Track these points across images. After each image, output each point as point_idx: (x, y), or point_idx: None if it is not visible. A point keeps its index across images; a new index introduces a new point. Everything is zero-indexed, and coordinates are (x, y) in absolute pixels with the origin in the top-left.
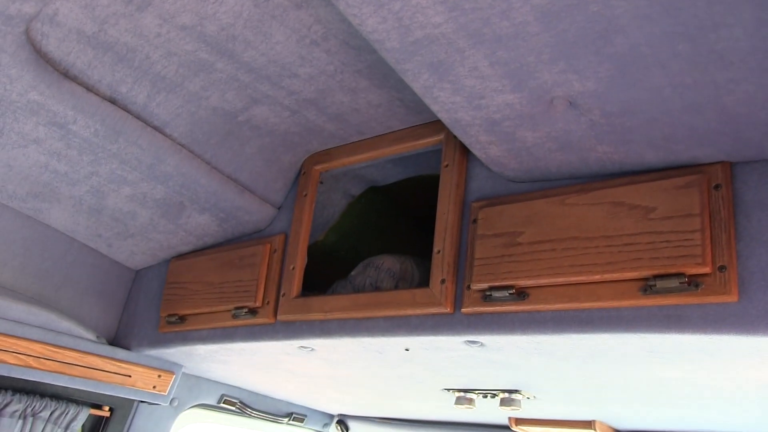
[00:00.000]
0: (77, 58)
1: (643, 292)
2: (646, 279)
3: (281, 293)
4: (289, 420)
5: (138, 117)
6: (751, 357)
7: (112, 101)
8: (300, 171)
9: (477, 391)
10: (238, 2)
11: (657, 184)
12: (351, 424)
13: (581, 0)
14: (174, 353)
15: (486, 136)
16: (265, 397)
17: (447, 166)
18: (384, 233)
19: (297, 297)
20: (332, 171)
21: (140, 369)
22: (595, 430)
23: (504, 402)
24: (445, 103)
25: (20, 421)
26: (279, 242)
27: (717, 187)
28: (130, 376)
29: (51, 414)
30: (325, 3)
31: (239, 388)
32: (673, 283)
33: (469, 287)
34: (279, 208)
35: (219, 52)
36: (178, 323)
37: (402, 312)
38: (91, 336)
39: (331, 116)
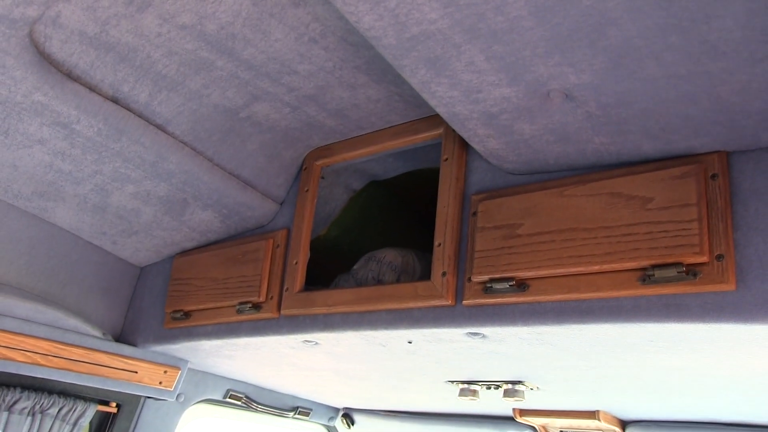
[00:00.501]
0: (80, 59)
1: (642, 282)
2: (644, 269)
3: (284, 288)
4: (295, 414)
5: (140, 116)
6: (751, 345)
7: (115, 101)
8: (301, 166)
9: (480, 383)
10: (237, 1)
11: (654, 175)
12: (356, 417)
13: None
14: (179, 349)
15: (484, 130)
16: (271, 391)
17: (446, 159)
18: (386, 227)
19: (300, 291)
20: (333, 166)
21: (146, 365)
22: (599, 420)
23: (507, 393)
24: (442, 97)
25: (29, 418)
26: (282, 237)
27: (714, 176)
28: (136, 372)
29: (59, 411)
30: (322, 1)
31: (245, 382)
32: (672, 272)
33: (470, 279)
34: (281, 204)
35: (219, 50)
36: (183, 319)
37: (404, 305)
38: (97, 333)
39: (331, 112)
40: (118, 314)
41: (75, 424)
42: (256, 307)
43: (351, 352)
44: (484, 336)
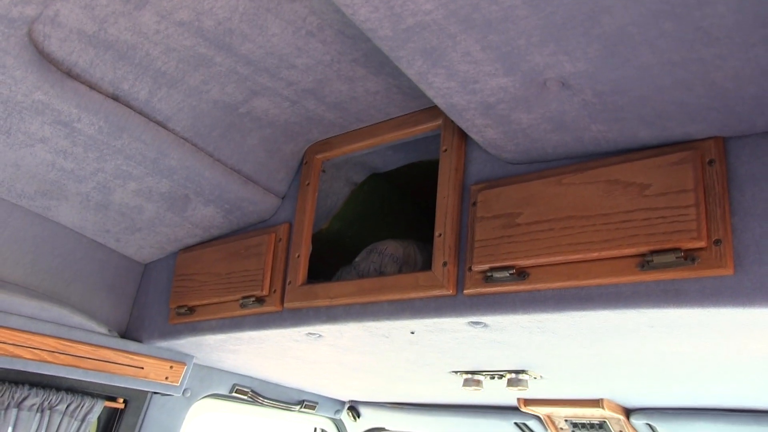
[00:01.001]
0: (79, 58)
1: (641, 268)
2: (643, 255)
3: (287, 281)
4: (301, 407)
5: (141, 113)
6: (750, 329)
7: (115, 98)
8: (302, 160)
9: (484, 373)
10: None
11: (651, 161)
12: (362, 409)
13: None
14: (184, 344)
15: (482, 120)
16: (277, 385)
17: (446, 150)
18: (387, 219)
19: (303, 284)
20: (334, 159)
21: (152, 361)
22: (603, 408)
23: (511, 382)
24: (440, 88)
25: (38, 415)
26: (284, 231)
27: (711, 162)
28: (142, 368)
29: (67, 407)
30: None
31: (250, 377)
32: (670, 258)
33: (470, 269)
34: (283, 198)
35: (217, 46)
36: (188, 314)
37: (406, 295)
38: (102, 330)
39: (331, 105)
40: (123, 311)
41: (83, 420)
42: (260, 300)
43: (354, 344)
44: (485, 325)
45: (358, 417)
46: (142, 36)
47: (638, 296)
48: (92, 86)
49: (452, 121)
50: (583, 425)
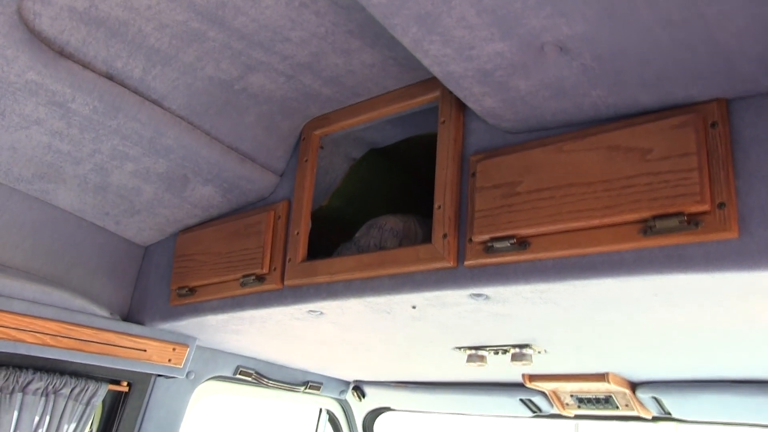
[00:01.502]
0: (71, 36)
1: (644, 234)
2: (645, 220)
3: (287, 259)
4: (306, 388)
5: (135, 91)
6: (755, 294)
7: (109, 77)
8: (300, 137)
9: (488, 348)
10: None
11: (653, 126)
12: (367, 389)
13: None
14: (187, 326)
15: (479, 88)
16: (281, 366)
17: (444, 122)
18: (387, 194)
19: (303, 261)
20: (332, 135)
21: (155, 343)
22: (608, 382)
23: (515, 357)
24: (436, 56)
25: (43, 398)
26: (283, 209)
27: (713, 125)
28: (145, 351)
29: (72, 391)
30: None
31: (255, 359)
32: (673, 222)
33: (470, 240)
34: (281, 176)
35: (210, 20)
36: (189, 295)
37: (406, 269)
38: (104, 313)
39: (327, 80)
40: (124, 294)
41: (88, 403)
42: (260, 279)
43: (356, 321)
44: (487, 297)
45: (363, 397)
46: (134, 12)
47: (641, 263)
48: (86, 65)
49: (450, 92)
50: (589, 400)
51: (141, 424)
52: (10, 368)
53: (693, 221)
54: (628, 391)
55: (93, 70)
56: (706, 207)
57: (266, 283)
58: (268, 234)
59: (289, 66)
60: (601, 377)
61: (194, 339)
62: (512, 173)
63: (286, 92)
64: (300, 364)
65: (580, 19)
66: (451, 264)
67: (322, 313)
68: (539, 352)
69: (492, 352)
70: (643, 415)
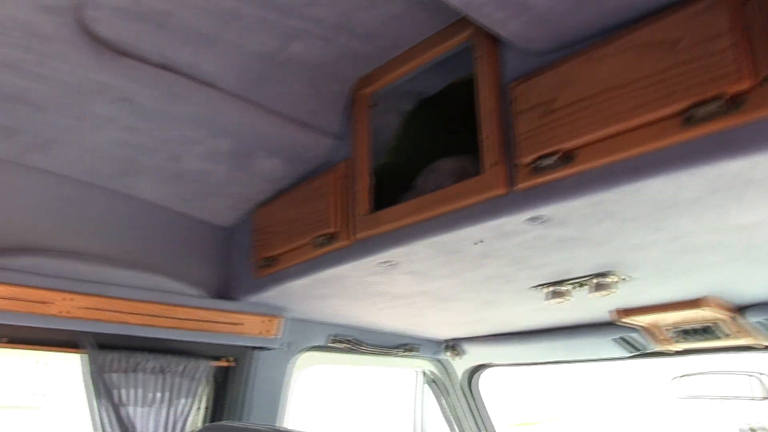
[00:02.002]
0: (125, 34)
1: (684, 125)
2: (683, 111)
3: (353, 214)
4: (402, 351)
5: (189, 77)
6: None
7: (164, 67)
8: (351, 97)
9: (566, 282)
10: None
11: (679, 15)
12: (462, 347)
13: None
14: (273, 296)
15: (500, 12)
16: (375, 332)
17: (479, 56)
18: (443, 140)
19: (367, 214)
20: (380, 91)
21: (248, 317)
22: (707, 308)
23: (597, 287)
24: None
25: (158, 377)
26: (343, 168)
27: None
28: (240, 324)
29: (181, 368)
30: None
31: (348, 326)
32: (712, 107)
33: (517, 164)
34: (339, 138)
35: None
36: (270, 265)
37: (461, 203)
38: (197, 292)
39: (362, 37)
40: (214, 273)
41: (197, 379)
42: (331, 237)
43: (428, 267)
44: (544, 219)
45: (460, 355)
46: (173, 1)
47: (686, 156)
48: (142, 59)
49: (480, 28)
50: (688, 331)
51: (246, 396)
52: (127, 350)
53: (734, 102)
54: (733, 316)
55: (149, 63)
56: (745, 85)
57: (337, 241)
58: (332, 193)
59: (324, 29)
60: (698, 303)
61: (285, 310)
62: (547, 92)
63: (328, 56)
64: (392, 326)
65: None
66: (502, 191)
67: (393, 263)
68: (623, 279)
69: (571, 285)
70: (754, 344)
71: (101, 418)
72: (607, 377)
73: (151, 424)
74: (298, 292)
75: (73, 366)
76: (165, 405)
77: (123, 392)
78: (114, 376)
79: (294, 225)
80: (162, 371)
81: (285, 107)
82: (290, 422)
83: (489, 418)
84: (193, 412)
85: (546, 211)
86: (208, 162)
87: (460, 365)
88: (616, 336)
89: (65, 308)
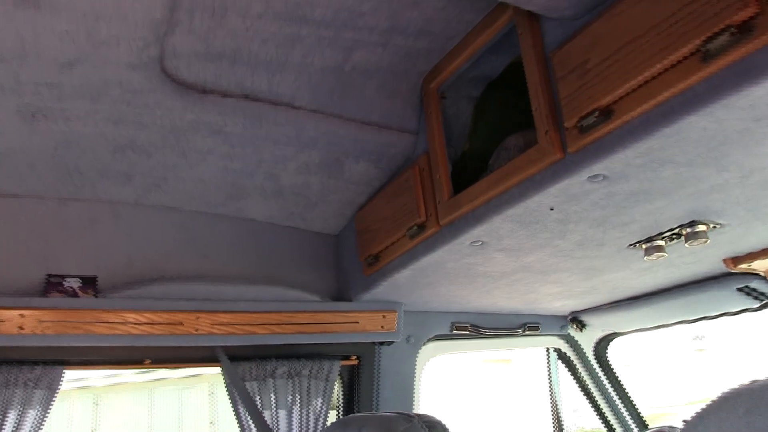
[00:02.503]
0: (205, 75)
1: (704, 61)
2: (699, 48)
3: (437, 201)
4: (524, 331)
5: (268, 101)
6: None
7: (245, 97)
8: (421, 93)
9: (658, 237)
10: None
11: None
12: (584, 318)
13: None
14: (384, 291)
15: None
16: (493, 314)
17: (522, 33)
18: (512, 118)
19: (448, 199)
20: (446, 83)
21: (365, 315)
22: None
23: (689, 238)
24: None
25: (290, 381)
26: (424, 161)
27: None
28: (358, 323)
29: (311, 371)
30: None
31: (465, 312)
32: (725, 39)
33: (566, 128)
34: (417, 133)
35: (296, 21)
36: (375, 262)
37: (525, 174)
38: (316, 298)
39: (415, 35)
40: (328, 278)
41: (327, 380)
42: (421, 227)
43: (516, 242)
44: (604, 177)
45: (584, 327)
46: (238, 38)
47: (713, 89)
48: (224, 94)
49: (517, 8)
50: None
51: (377, 391)
52: (258, 359)
53: (745, 30)
54: None
55: (231, 96)
56: (753, 10)
57: (427, 229)
58: (417, 185)
59: (378, 35)
60: None
61: (399, 303)
62: (581, 54)
63: (389, 58)
64: (509, 307)
65: None
66: (559, 156)
67: (482, 242)
68: (715, 226)
69: (664, 239)
70: None
71: (246, 423)
72: None
73: (292, 425)
74: (405, 283)
75: None
76: (300, 406)
77: (260, 398)
78: (251, 384)
79: (389, 220)
80: (293, 375)
81: (361, 113)
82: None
83: (624, 389)
84: (326, 410)
85: (601, 168)
86: (303, 175)
87: (586, 338)
88: (739, 284)
89: (198, 326)
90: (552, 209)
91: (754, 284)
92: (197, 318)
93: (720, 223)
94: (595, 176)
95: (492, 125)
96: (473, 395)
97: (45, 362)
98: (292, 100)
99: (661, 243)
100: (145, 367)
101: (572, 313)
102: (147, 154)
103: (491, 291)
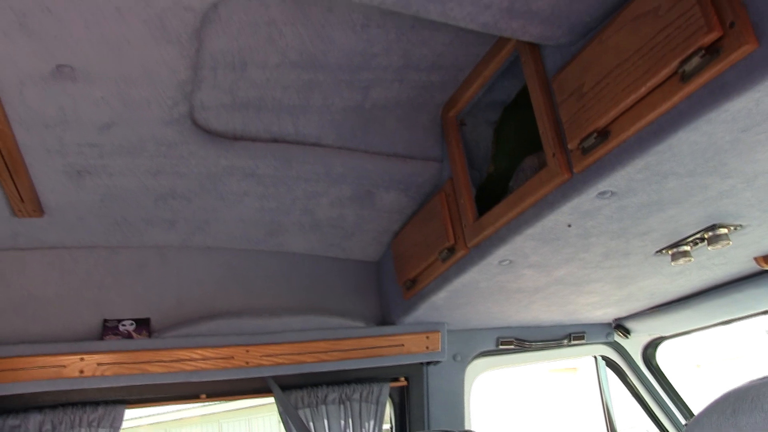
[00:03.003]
0: (234, 123)
1: (683, 81)
2: (676, 70)
3: (463, 225)
4: (570, 341)
5: (296, 143)
6: None
7: (274, 140)
8: (441, 122)
9: (682, 243)
10: (293, 29)
11: None
12: (629, 325)
13: None
14: (425, 313)
15: (516, 23)
16: (536, 327)
17: (525, 61)
18: (529, 139)
19: (473, 222)
20: (464, 110)
21: (408, 337)
22: None
23: (712, 241)
24: (464, 17)
25: (341, 405)
26: (449, 187)
27: None
28: (403, 345)
29: (361, 395)
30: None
31: (508, 327)
32: (696, 60)
33: (570, 150)
34: (441, 161)
35: (312, 67)
36: (413, 286)
37: (539, 195)
38: (360, 324)
39: (428, 69)
40: (371, 303)
41: (377, 402)
42: (451, 250)
43: (542, 258)
44: (612, 192)
45: (629, 333)
46: (259, 87)
47: (694, 107)
48: (254, 139)
49: None
50: None
51: (428, 411)
52: (309, 387)
53: (713, 51)
54: None
55: (260, 141)
56: (717, 33)
57: (457, 252)
58: (444, 210)
59: (393, 72)
60: None
61: (441, 323)
62: (576, 78)
63: (407, 93)
64: (550, 318)
65: None
66: (566, 176)
67: (510, 261)
68: (735, 228)
69: (688, 244)
70: None
71: None
72: None
73: None
74: (444, 304)
75: None
76: (353, 430)
77: (313, 425)
78: (304, 411)
79: (422, 245)
80: (344, 400)
81: (385, 146)
82: (475, 428)
83: (677, 392)
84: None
85: (606, 185)
86: (337, 208)
87: (632, 344)
88: None
89: (248, 359)
90: (569, 226)
91: None
92: (247, 351)
93: (740, 225)
94: (603, 193)
95: (512, 147)
96: (538, 406)
97: (106, 402)
98: (319, 140)
99: (687, 248)
100: (201, 402)
101: (616, 320)
102: (187, 200)
103: (529, 305)
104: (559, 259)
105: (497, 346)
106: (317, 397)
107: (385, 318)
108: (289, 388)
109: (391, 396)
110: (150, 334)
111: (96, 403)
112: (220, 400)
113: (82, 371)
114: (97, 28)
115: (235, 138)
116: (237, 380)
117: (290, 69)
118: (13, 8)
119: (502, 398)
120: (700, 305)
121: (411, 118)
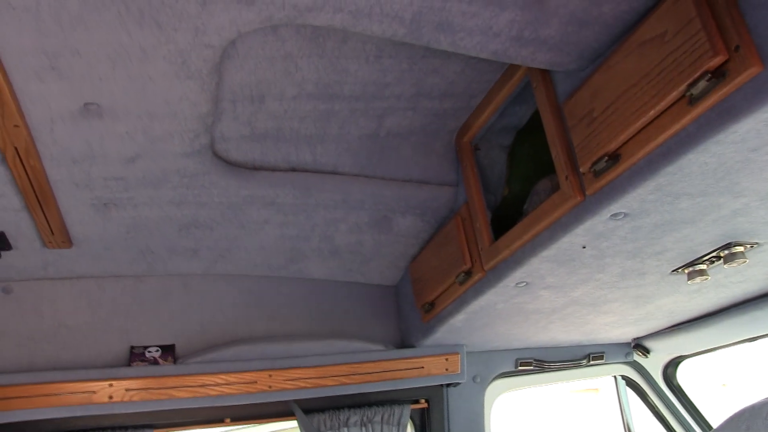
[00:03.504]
0: (253, 154)
1: (691, 104)
2: (685, 93)
3: (480, 249)
4: (589, 361)
5: (314, 171)
6: None
7: (292, 169)
8: (455, 148)
9: (698, 261)
10: (308, 62)
11: (659, 10)
12: (648, 344)
13: None
14: (444, 336)
15: (525, 51)
16: (555, 348)
17: (536, 87)
18: (542, 162)
19: (489, 246)
20: (478, 136)
21: (428, 359)
22: None
23: (728, 260)
24: (474, 46)
25: (362, 428)
26: (465, 211)
27: None
28: (423, 367)
29: (382, 417)
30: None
31: (526, 348)
32: (703, 84)
33: (582, 173)
34: (456, 185)
35: (327, 98)
36: (431, 309)
37: (552, 217)
38: (380, 347)
39: (441, 96)
40: (390, 327)
41: (398, 424)
42: (468, 273)
43: (558, 279)
44: (625, 214)
45: (648, 353)
46: (277, 118)
47: (703, 129)
48: (273, 169)
49: None
50: None
51: (448, 431)
52: (331, 410)
53: (719, 74)
54: None
55: (279, 170)
56: (722, 57)
57: (474, 275)
58: (460, 235)
59: (405, 101)
60: None
61: (460, 345)
62: (586, 104)
63: (420, 120)
64: (568, 339)
65: None
66: (579, 199)
67: (527, 283)
68: (752, 246)
69: (704, 263)
70: None
71: None
72: None
73: None
74: (462, 327)
75: None
76: None
77: None
78: None
79: (439, 269)
80: (365, 423)
81: (401, 172)
82: None
83: (699, 411)
84: None
85: (619, 206)
86: (355, 234)
87: (652, 363)
88: None
89: (271, 384)
90: (584, 247)
91: None
92: (270, 376)
93: (757, 243)
94: (616, 214)
95: (525, 170)
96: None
97: (135, 427)
98: (336, 168)
99: (703, 267)
100: (226, 426)
101: (635, 339)
102: (210, 229)
103: (547, 326)
104: (575, 280)
105: (516, 367)
106: (339, 420)
107: (404, 341)
108: (311, 412)
109: (412, 418)
110: (175, 360)
111: (125, 428)
112: (244, 424)
113: (111, 397)
114: (122, 67)
115: (255, 168)
116: (260, 404)
117: (307, 100)
118: (46, 52)
119: (524, 420)
120: (720, 323)
121: (425, 145)
